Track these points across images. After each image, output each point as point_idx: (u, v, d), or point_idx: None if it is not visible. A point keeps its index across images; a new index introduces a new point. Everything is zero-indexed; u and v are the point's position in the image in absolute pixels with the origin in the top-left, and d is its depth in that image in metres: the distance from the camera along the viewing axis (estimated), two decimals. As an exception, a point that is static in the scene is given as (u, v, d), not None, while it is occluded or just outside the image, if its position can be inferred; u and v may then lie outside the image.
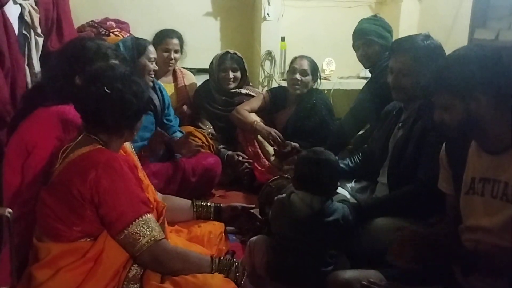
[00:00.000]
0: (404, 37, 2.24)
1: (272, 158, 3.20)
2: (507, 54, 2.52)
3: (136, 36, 3.71)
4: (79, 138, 1.64)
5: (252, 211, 2.32)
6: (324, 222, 1.78)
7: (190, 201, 2.17)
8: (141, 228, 1.55)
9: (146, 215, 1.58)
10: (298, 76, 3.28)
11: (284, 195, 1.91)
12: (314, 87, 3.39)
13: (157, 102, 2.98)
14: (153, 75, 2.91)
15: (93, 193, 1.52)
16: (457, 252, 1.54)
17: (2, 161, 1.84)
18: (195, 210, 2.13)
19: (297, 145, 2.96)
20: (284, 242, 1.84)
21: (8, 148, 1.85)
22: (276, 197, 1.94)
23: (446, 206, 1.74)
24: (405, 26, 3.95)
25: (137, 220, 1.55)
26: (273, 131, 3.14)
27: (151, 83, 2.91)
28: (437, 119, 1.57)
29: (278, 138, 3.07)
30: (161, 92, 3.10)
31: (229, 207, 2.24)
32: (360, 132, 3.04)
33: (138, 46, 2.85)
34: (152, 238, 1.56)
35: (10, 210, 0.99)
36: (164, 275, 1.58)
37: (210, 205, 2.19)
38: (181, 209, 2.10)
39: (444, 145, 1.72)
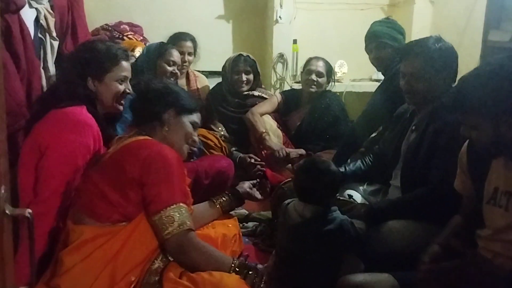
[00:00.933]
0: (415, 40, 2.22)
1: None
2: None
3: (150, 39, 3.76)
4: (133, 132, 1.80)
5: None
6: (316, 232, 1.74)
7: (207, 202, 2.14)
8: (176, 213, 1.62)
9: (183, 204, 1.66)
10: (314, 77, 3.30)
11: (288, 200, 1.91)
12: (328, 88, 3.40)
13: None
14: (172, 79, 2.93)
15: (143, 171, 1.63)
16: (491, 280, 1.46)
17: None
18: (220, 207, 2.11)
19: (303, 151, 3.13)
20: (281, 251, 1.84)
21: (22, 149, 1.88)
22: (282, 203, 1.94)
23: (461, 207, 1.72)
24: (417, 28, 3.93)
25: (174, 205, 1.63)
26: (278, 149, 3.18)
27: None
28: (464, 135, 1.52)
29: (282, 156, 3.15)
30: None
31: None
32: (373, 135, 3.03)
33: (160, 48, 2.90)
34: (183, 225, 1.62)
35: (30, 211, 1.00)
36: (183, 271, 1.61)
37: (229, 195, 2.18)
38: (202, 214, 2.06)
39: (465, 146, 1.67)
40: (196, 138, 1.94)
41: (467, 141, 1.65)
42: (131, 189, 1.63)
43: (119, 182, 1.64)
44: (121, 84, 2.06)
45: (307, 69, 3.36)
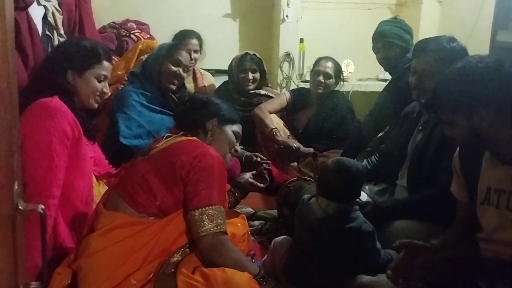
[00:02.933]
0: (429, 38, 2.22)
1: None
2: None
3: (156, 37, 3.77)
4: (181, 133, 1.86)
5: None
6: (337, 229, 1.76)
7: None
8: (217, 214, 1.67)
9: (223, 207, 1.72)
10: (321, 78, 3.30)
11: (306, 196, 1.92)
12: (336, 89, 3.40)
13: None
14: (175, 80, 2.92)
15: (192, 168, 1.68)
16: (478, 264, 1.50)
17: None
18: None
19: (311, 150, 3.12)
20: (300, 245, 1.84)
21: None
22: (301, 198, 1.95)
23: (457, 212, 1.72)
24: (425, 28, 3.92)
25: (216, 205, 1.68)
26: (292, 142, 3.17)
27: (172, 86, 2.93)
28: (447, 133, 1.57)
29: (295, 149, 3.12)
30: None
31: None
32: (380, 135, 3.03)
33: (170, 49, 2.89)
34: (221, 227, 1.66)
35: (43, 206, 1.01)
36: (197, 266, 1.63)
37: (233, 192, 2.20)
38: None
39: (457, 150, 1.69)
40: (238, 148, 2.05)
41: (458, 149, 1.68)
42: (176, 185, 1.68)
43: (166, 176, 1.69)
44: (99, 82, 2.11)
45: (315, 70, 3.36)
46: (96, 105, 2.14)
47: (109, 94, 2.22)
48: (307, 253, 1.81)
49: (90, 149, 2.14)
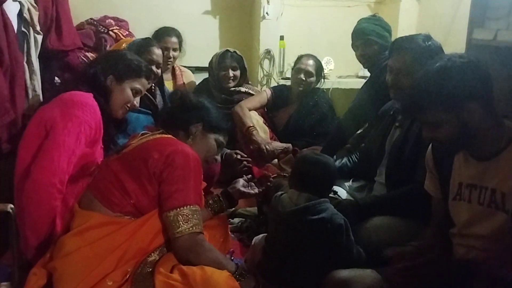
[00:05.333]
0: (405, 36, 2.24)
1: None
2: (506, 54, 2.56)
3: (135, 34, 3.72)
4: (159, 131, 1.84)
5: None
6: (306, 220, 1.74)
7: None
8: (193, 213, 1.64)
9: (199, 206, 1.69)
10: (303, 76, 3.31)
11: (279, 192, 1.92)
12: (317, 86, 3.41)
13: (160, 104, 3.00)
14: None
15: (165, 166, 1.64)
16: (452, 270, 1.48)
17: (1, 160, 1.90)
18: (210, 209, 2.04)
19: (289, 145, 3.15)
20: (271, 242, 1.84)
21: (26, 132, 1.97)
22: (274, 195, 1.95)
23: (432, 209, 1.74)
24: (403, 25, 3.96)
25: (192, 206, 1.65)
26: (264, 143, 3.17)
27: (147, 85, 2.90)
28: (426, 136, 1.56)
29: (270, 151, 3.14)
30: (164, 94, 3.12)
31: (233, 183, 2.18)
32: (359, 132, 3.05)
33: (141, 46, 2.85)
34: (196, 227, 1.63)
35: (12, 206, 1.00)
36: (175, 264, 1.62)
37: (220, 198, 2.09)
38: None
39: (430, 147, 1.71)
40: (218, 158, 1.99)
41: (430, 146, 1.70)
42: (150, 183, 1.65)
43: (140, 174, 1.66)
44: (134, 95, 2.21)
45: (296, 68, 3.36)
46: (121, 115, 2.23)
47: (138, 107, 2.31)
48: (278, 249, 1.81)
49: (101, 152, 2.19)
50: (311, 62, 3.34)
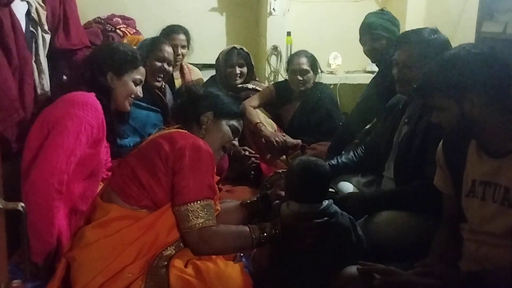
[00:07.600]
0: (411, 30, 2.23)
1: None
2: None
3: (142, 32, 3.74)
4: (175, 127, 1.86)
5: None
6: (312, 224, 1.72)
7: (236, 203, 2.09)
8: (203, 208, 1.63)
9: (210, 200, 1.67)
10: (299, 76, 3.30)
11: (275, 202, 1.91)
12: (317, 80, 3.40)
13: (169, 102, 3.02)
14: (161, 75, 2.92)
15: (176, 159, 1.64)
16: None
17: (5, 157, 1.91)
18: (246, 209, 2.03)
19: (299, 141, 3.14)
20: (279, 252, 1.80)
21: (30, 133, 1.98)
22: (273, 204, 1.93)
23: (443, 205, 1.73)
24: (411, 20, 3.93)
25: (202, 200, 1.64)
26: (275, 136, 3.16)
27: (158, 84, 2.92)
28: (434, 120, 1.57)
29: (280, 143, 3.12)
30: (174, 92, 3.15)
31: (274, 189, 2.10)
32: (367, 127, 3.04)
33: (152, 44, 2.88)
34: (207, 222, 1.62)
35: (23, 204, 1.00)
36: (190, 259, 1.64)
37: (257, 200, 2.05)
38: (232, 211, 2.03)
39: (440, 144, 1.70)
40: (235, 142, 1.95)
41: (441, 142, 1.69)
42: (164, 175, 1.66)
43: (154, 167, 1.66)
44: (135, 86, 2.23)
45: (291, 69, 3.35)
46: (129, 108, 2.26)
47: (142, 97, 2.33)
48: (285, 257, 1.78)
49: (106, 151, 2.21)
50: (303, 59, 3.31)
